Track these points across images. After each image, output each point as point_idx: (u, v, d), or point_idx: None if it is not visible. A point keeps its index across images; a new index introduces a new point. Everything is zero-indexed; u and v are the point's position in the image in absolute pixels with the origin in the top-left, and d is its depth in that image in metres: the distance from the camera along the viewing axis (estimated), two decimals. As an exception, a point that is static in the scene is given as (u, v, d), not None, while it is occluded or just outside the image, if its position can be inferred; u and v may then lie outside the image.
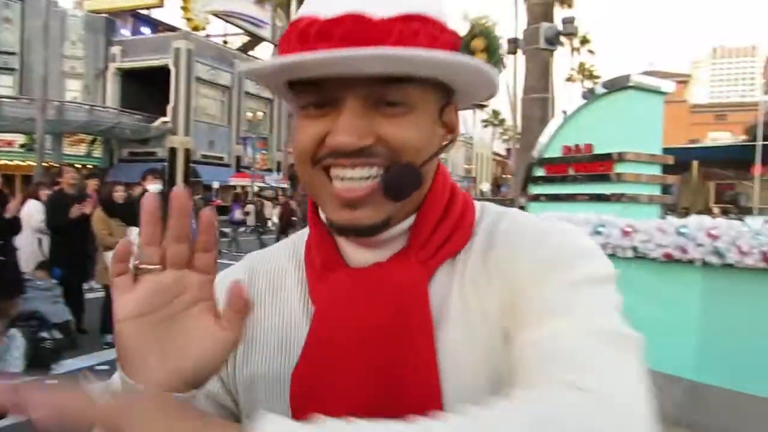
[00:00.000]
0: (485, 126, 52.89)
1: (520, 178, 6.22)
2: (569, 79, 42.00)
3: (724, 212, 14.05)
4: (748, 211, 14.74)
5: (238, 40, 37.29)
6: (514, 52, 7.83)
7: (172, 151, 26.58)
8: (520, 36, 7.53)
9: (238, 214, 19.09)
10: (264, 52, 38.55)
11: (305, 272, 0.71)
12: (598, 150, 5.04)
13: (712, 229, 3.69)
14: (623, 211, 4.61)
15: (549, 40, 6.69)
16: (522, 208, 5.83)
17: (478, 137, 54.05)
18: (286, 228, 17.12)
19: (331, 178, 0.62)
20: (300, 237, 0.77)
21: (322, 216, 0.69)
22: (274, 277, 0.74)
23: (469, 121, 50.02)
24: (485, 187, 46.52)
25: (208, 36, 34.38)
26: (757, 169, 17.85)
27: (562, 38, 7.92)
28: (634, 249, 4.15)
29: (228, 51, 33.48)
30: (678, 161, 5.97)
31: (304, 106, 0.63)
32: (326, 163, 0.61)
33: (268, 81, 0.66)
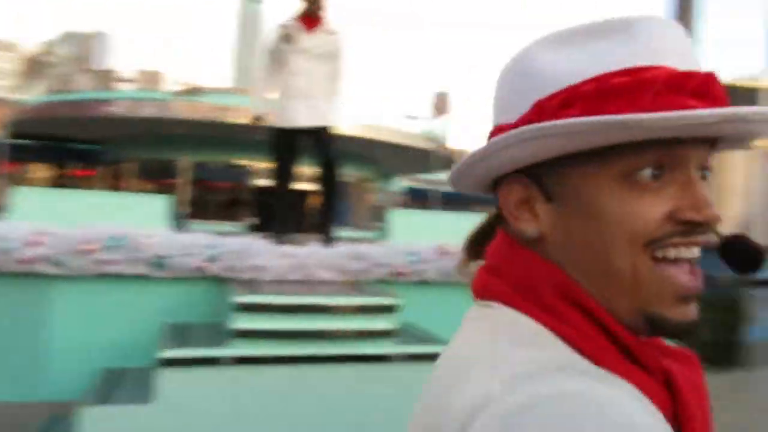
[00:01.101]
0: None
1: None
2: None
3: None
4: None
5: None
6: None
7: None
8: None
9: None
10: None
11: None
12: None
13: None
14: None
15: None
16: None
17: None
18: None
19: (653, 265, 0.53)
20: (564, 355, 0.53)
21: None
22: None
23: None
24: None
25: None
26: (5, 166, 17.22)
27: None
28: None
29: None
30: None
31: (628, 174, 0.53)
32: (664, 243, 0.53)
33: (588, 137, 0.52)
